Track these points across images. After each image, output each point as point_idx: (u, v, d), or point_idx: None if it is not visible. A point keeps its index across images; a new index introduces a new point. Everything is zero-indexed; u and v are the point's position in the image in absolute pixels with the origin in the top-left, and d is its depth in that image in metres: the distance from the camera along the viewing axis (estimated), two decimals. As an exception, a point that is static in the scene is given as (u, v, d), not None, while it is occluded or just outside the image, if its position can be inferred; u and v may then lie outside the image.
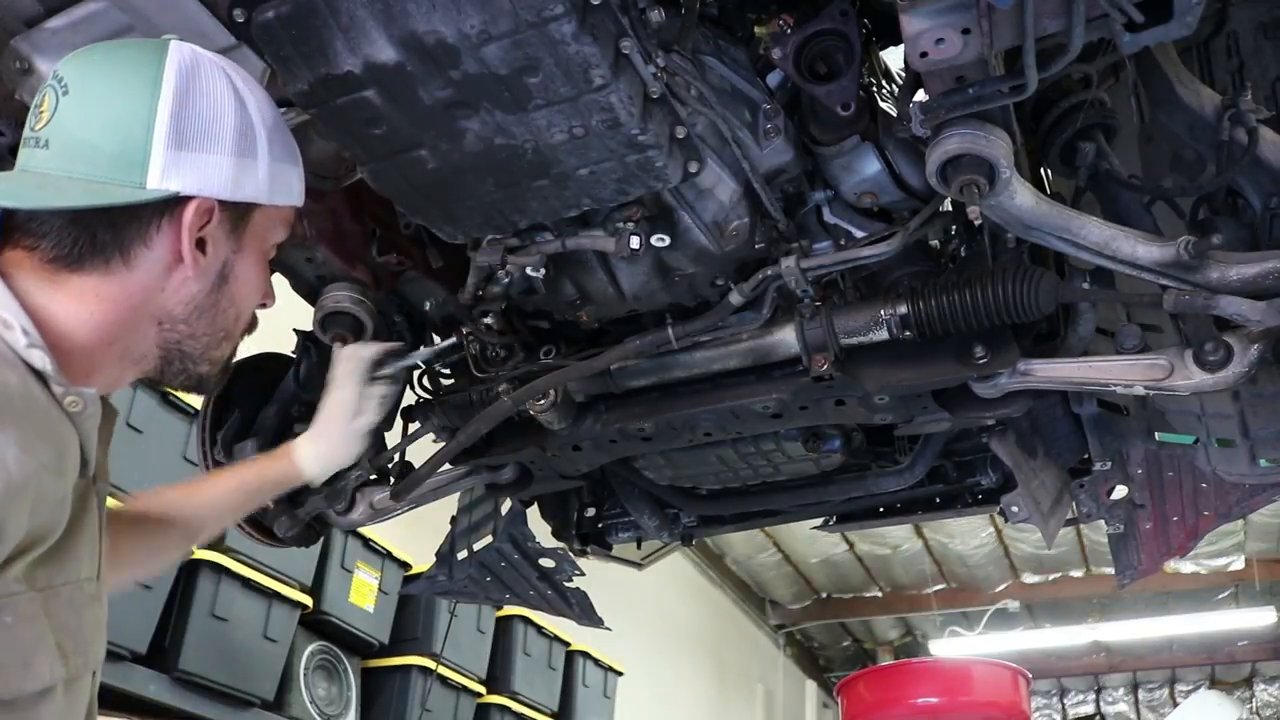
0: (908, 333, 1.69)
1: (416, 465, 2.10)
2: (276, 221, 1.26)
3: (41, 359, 1.04)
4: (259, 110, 1.21)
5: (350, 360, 1.78)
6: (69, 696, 1.08)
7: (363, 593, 4.12)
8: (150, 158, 1.11)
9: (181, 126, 1.13)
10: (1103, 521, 2.25)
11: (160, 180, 1.11)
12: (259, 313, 1.33)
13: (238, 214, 1.20)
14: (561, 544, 2.52)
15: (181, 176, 1.13)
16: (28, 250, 1.11)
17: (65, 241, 1.10)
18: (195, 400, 2.68)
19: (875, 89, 1.70)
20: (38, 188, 1.11)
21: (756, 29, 1.56)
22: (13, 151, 1.63)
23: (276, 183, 1.22)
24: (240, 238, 1.21)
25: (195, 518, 1.59)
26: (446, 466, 2.04)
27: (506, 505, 2.50)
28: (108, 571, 1.21)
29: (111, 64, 1.15)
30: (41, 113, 1.14)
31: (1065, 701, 12.33)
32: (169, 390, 1.26)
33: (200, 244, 1.16)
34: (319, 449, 1.72)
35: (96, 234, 1.11)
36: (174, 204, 1.13)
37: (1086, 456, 2.09)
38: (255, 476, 1.70)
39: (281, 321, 2.12)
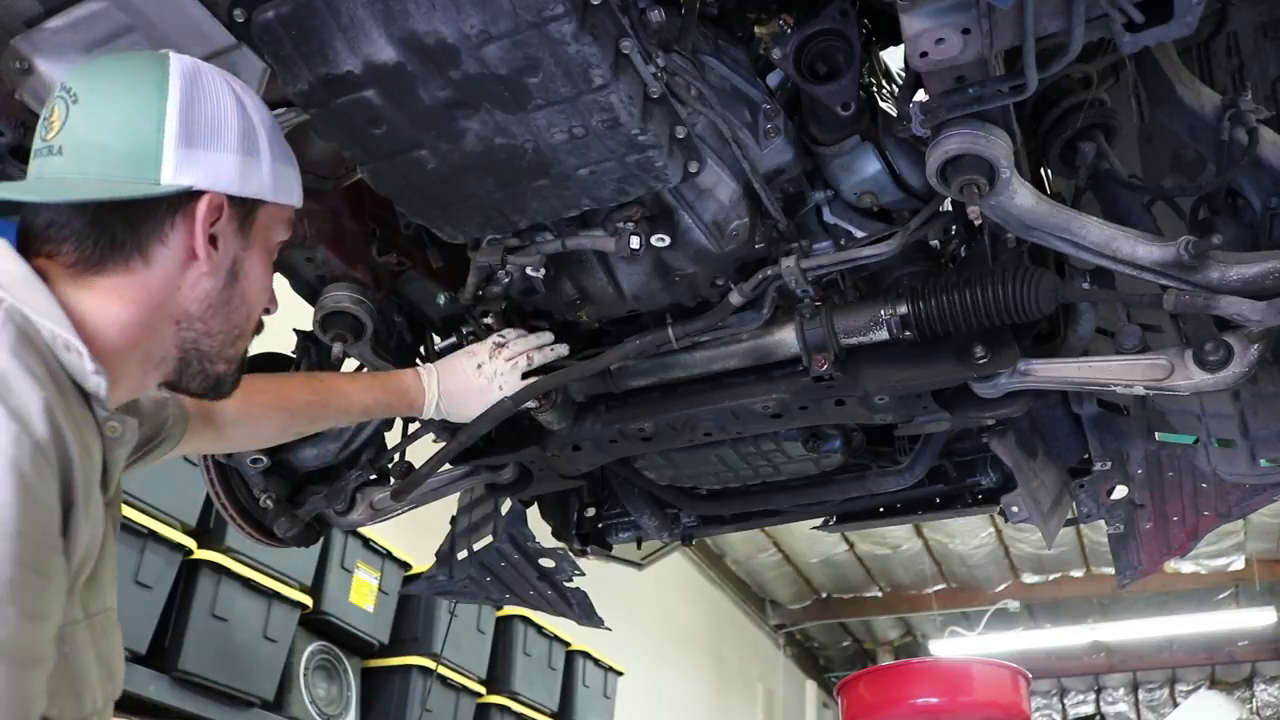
0: (908, 333, 1.68)
1: (416, 465, 2.10)
2: (279, 221, 1.30)
3: (98, 383, 1.07)
4: (258, 113, 1.24)
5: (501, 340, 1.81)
6: None
7: (363, 593, 4.12)
8: (163, 155, 1.14)
9: (189, 125, 1.16)
10: (1103, 521, 2.25)
11: (174, 176, 1.14)
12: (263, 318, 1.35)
13: (244, 211, 1.23)
14: (561, 544, 2.52)
15: (193, 172, 1.16)
16: (49, 258, 1.12)
17: (86, 244, 1.12)
18: (195, 400, 2.66)
19: (875, 89, 1.70)
20: (55, 188, 1.13)
21: (756, 29, 1.56)
22: (12, 152, 1.63)
23: (279, 182, 1.25)
24: (248, 235, 1.24)
25: (301, 404, 1.68)
26: (446, 466, 2.04)
27: (506, 505, 2.50)
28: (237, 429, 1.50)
29: (118, 72, 1.18)
30: (52, 123, 1.16)
31: (1065, 701, 12.32)
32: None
33: (212, 240, 1.19)
34: (445, 389, 1.78)
35: (115, 234, 1.13)
36: (186, 200, 1.16)
37: (1086, 456, 2.09)
38: (377, 396, 1.75)
39: (282, 321, 2.12)
